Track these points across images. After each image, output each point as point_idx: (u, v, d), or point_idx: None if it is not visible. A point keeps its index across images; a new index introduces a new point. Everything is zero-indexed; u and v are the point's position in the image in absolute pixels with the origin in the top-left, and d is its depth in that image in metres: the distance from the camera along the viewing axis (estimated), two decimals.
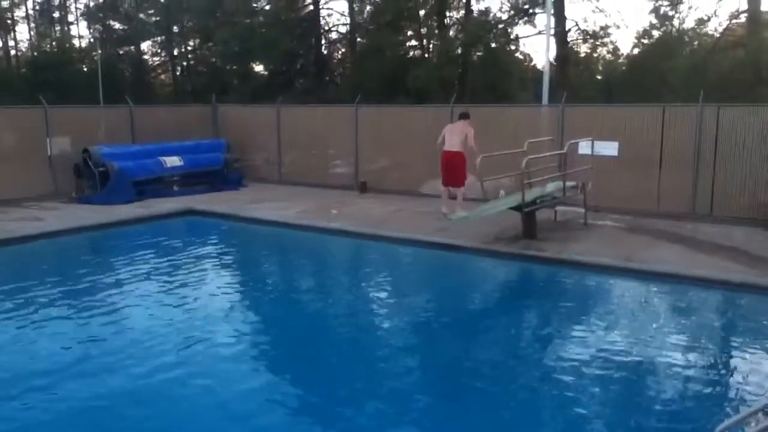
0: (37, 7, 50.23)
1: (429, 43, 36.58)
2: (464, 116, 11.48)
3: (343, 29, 39.27)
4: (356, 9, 37.86)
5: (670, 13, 37.15)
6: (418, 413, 5.85)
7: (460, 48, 32.14)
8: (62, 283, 9.52)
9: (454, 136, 11.17)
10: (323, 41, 39.21)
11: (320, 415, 5.82)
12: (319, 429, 5.63)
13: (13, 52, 50.70)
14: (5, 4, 48.21)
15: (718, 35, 33.31)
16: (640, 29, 39.50)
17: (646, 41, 39.25)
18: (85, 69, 42.92)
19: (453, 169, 11.13)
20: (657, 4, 35.42)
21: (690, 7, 38.73)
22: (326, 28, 38.93)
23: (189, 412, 5.74)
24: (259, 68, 40.11)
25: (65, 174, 15.62)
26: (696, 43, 36.19)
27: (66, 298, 8.84)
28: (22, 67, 46.45)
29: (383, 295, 9.70)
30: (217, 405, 5.78)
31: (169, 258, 11.10)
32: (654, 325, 7.92)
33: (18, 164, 14.92)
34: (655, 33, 39.03)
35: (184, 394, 5.98)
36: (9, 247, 11.23)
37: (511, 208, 10.84)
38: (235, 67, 39.25)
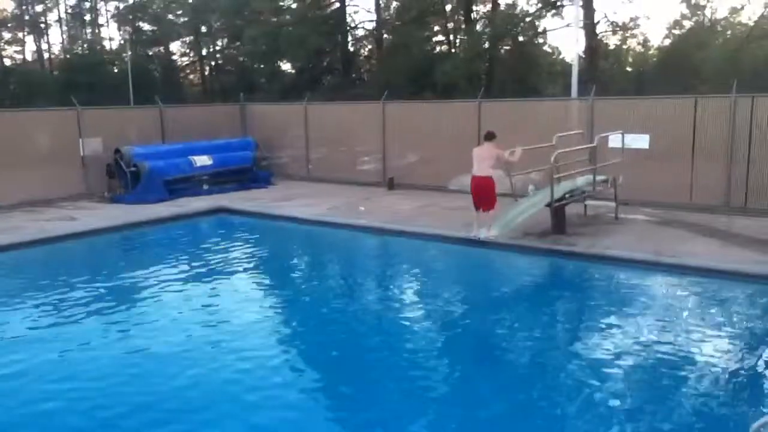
0: (70, 11, 51.08)
1: (456, 38, 36.43)
2: (490, 137, 10.95)
3: (369, 26, 39.31)
4: (382, 5, 37.85)
5: (702, 3, 36.52)
6: (463, 405, 5.87)
7: (487, 42, 31.93)
8: (106, 281, 9.68)
9: (483, 161, 10.72)
10: (350, 38, 39.28)
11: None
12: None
13: (46, 55, 51.66)
14: (39, 8, 49.15)
15: (752, 24, 32.61)
16: (671, 20, 38.92)
17: (677, 32, 38.67)
18: (116, 70, 43.61)
19: (484, 193, 10.77)
20: None
21: None
22: (353, 25, 39.01)
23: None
24: (286, 66, 40.35)
25: (98, 174, 15.88)
26: (729, 32, 35.54)
27: (110, 295, 8.98)
28: (55, 70, 47.35)
29: (418, 292, 9.71)
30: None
31: (205, 255, 11.23)
32: (689, 320, 7.81)
33: (52, 165, 15.20)
34: (687, 23, 38.42)
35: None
36: (46, 246, 11.43)
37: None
38: (262, 66, 39.54)
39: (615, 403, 5.77)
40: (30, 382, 6.29)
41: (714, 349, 6.87)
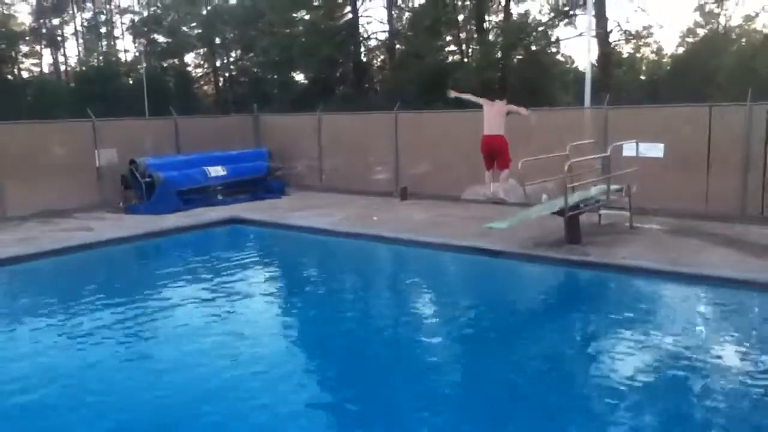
0: (86, 24, 51.71)
1: (468, 47, 36.51)
2: (500, 96, 10.77)
3: (382, 36, 39.45)
4: (395, 15, 37.99)
5: (716, 11, 36.39)
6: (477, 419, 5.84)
7: (499, 52, 31.94)
8: (121, 292, 9.75)
9: (495, 118, 10.43)
10: (362, 48, 39.43)
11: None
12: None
13: (62, 67, 52.29)
14: (56, 21, 49.79)
15: (767, 31, 32.43)
16: (685, 28, 38.83)
17: (691, 40, 38.54)
18: (131, 82, 44.03)
19: (497, 153, 10.45)
20: (702, 2, 34.65)
21: (737, 3, 37.80)
22: (365, 35, 39.17)
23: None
24: (299, 77, 40.56)
25: (113, 185, 16.01)
26: (744, 40, 35.37)
27: (125, 307, 9.02)
28: (71, 82, 47.87)
29: (431, 302, 9.67)
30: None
31: (220, 266, 11.29)
32: (708, 331, 7.74)
33: (68, 176, 15.34)
34: (701, 31, 38.30)
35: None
36: (62, 256, 11.50)
37: (554, 213, 10.69)
38: (275, 77, 39.78)
39: (635, 414, 5.73)
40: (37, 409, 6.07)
41: (735, 360, 6.79)
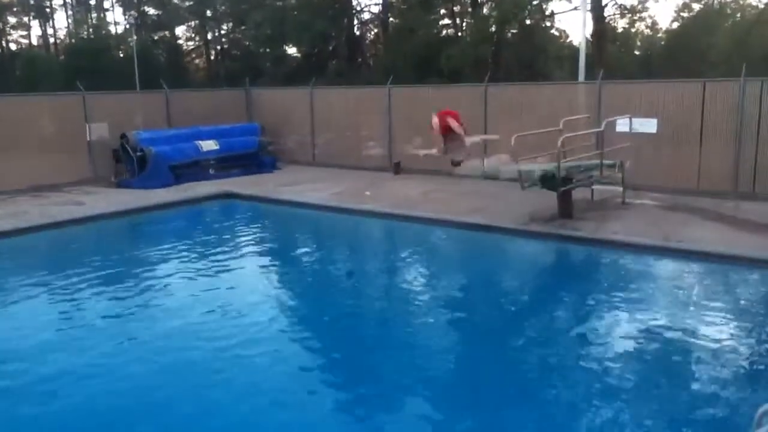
0: None
1: (462, 21, 36.14)
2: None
3: (375, 9, 39.02)
4: None
5: None
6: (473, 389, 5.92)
7: (494, 26, 31.61)
8: (110, 267, 9.69)
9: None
10: (355, 22, 39.01)
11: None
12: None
13: (51, 39, 51.60)
14: None
15: (762, 6, 32.28)
16: (680, 2, 38.56)
17: (685, 15, 38.33)
18: (122, 55, 43.46)
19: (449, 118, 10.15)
20: None
21: None
22: (358, 8, 38.72)
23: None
24: (291, 51, 40.13)
25: (104, 159, 15.91)
26: (738, 15, 35.23)
27: (114, 283, 9.01)
28: (61, 54, 47.27)
29: (427, 277, 9.70)
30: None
31: (212, 241, 11.33)
32: (696, 306, 7.78)
33: (58, 150, 15.21)
34: (696, 6, 38.06)
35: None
36: (52, 231, 11.47)
37: (547, 188, 10.68)
38: (268, 50, 39.34)
39: (619, 387, 5.79)
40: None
41: (720, 335, 6.85)
